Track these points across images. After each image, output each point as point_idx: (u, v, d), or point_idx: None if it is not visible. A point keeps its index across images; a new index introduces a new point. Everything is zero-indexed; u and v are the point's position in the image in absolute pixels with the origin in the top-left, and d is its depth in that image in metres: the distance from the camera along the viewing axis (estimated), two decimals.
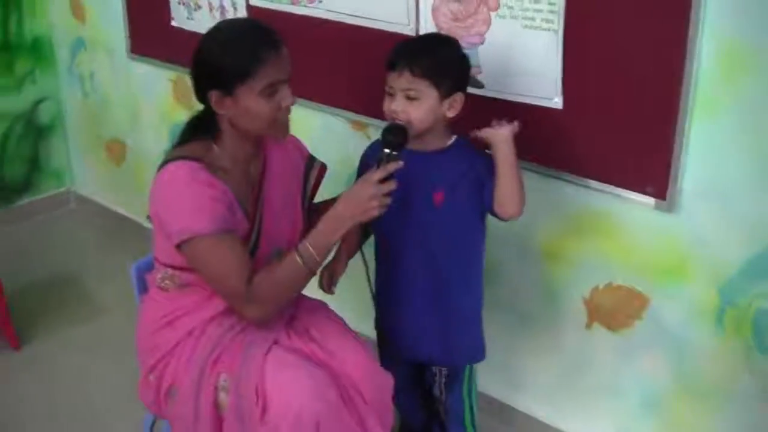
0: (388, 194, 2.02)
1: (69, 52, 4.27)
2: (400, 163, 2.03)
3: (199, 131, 2.17)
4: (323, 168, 2.41)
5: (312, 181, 2.37)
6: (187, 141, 2.17)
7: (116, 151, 4.24)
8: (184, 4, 3.38)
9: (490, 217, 2.24)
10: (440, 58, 2.16)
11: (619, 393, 2.62)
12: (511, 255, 2.71)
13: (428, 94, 2.12)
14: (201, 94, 2.12)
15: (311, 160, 2.40)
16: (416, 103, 2.12)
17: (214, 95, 2.07)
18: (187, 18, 3.36)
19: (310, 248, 2.05)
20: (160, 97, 3.75)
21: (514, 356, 2.86)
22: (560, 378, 2.77)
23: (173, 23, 3.45)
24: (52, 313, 3.60)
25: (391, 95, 2.15)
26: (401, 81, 2.12)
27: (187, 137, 2.18)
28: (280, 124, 2.13)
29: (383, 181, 2.02)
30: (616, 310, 2.54)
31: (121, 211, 4.34)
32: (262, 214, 2.19)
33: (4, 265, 3.32)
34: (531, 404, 2.89)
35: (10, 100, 4.25)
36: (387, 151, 2.06)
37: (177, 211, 2.06)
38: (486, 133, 2.14)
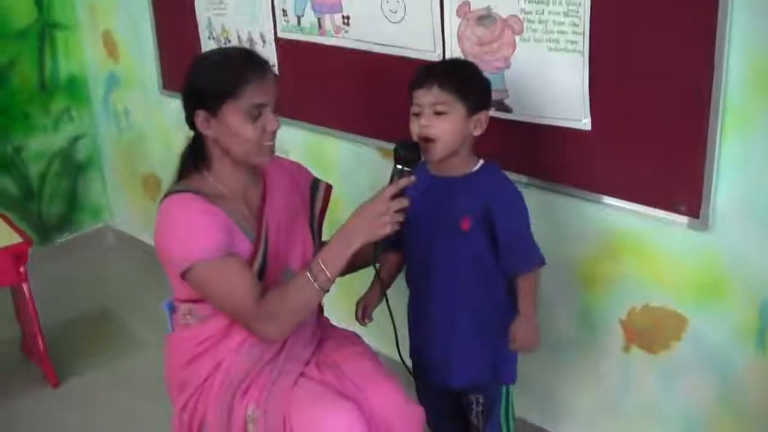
0: (401, 211, 2.01)
1: (104, 90, 4.34)
2: (413, 179, 2.03)
3: (193, 162, 2.19)
4: (329, 187, 2.42)
5: (319, 202, 2.38)
6: (183, 175, 2.20)
7: (152, 185, 4.28)
8: (214, 38, 3.41)
9: None
10: (466, 74, 2.20)
11: (662, 417, 2.57)
12: (544, 278, 2.66)
13: (456, 108, 2.12)
14: (190, 118, 2.14)
15: (316, 182, 2.40)
16: (444, 118, 2.12)
17: (200, 115, 2.09)
18: None
19: (321, 265, 2.04)
20: None
21: (551, 381, 2.82)
22: (600, 402, 2.72)
23: None
24: (91, 350, 3.62)
25: (418, 114, 2.15)
26: (429, 96, 2.12)
27: (183, 171, 2.21)
28: (264, 149, 2.13)
29: (395, 197, 2.01)
30: (654, 331, 2.49)
31: None
32: (267, 236, 2.18)
33: (43, 302, 3.34)
34: (571, 430, 2.85)
35: (48, 138, 4.33)
36: (399, 167, 2.06)
37: (176, 241, 2.08)
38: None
